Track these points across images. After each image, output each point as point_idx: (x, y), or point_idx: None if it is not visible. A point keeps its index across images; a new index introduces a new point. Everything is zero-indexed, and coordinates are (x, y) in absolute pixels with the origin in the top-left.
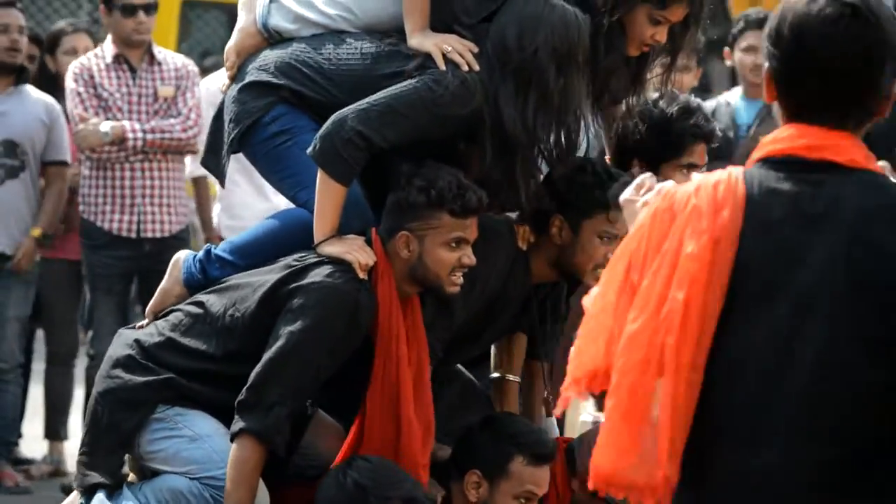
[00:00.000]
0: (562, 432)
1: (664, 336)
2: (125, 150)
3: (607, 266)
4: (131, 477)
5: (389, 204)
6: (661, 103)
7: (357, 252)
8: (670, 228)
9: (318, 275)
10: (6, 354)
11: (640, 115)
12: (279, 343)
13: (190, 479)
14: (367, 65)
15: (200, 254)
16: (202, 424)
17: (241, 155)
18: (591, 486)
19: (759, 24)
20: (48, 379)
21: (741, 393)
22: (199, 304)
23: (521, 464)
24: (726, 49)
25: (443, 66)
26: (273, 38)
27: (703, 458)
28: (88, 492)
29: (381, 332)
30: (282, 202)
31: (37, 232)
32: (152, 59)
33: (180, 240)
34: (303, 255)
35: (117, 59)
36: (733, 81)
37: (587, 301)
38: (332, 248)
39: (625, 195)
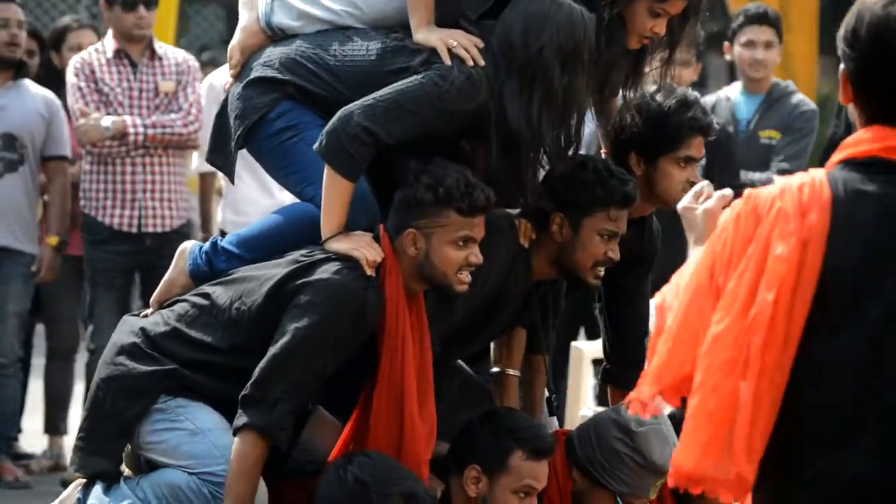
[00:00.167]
0: (562, 425)
1: (751, 337)
2: (126, 144)
3: (691, 269)
4: (127, 472)
5: (397, 201)
6: (659, 96)
7: (365, 249)
8: (755, 232)
9: (325, 271)
10: (6, 349)
11: (638, 108)
12: (285, 339)
13: (189, 473)
14: (372, 61)
15: (207, 245)
16: (204, 418)
17: (244, 151)
18: (671, 483)
19: (758, 18)
20: (48, 374)
21: (828, 396)
22: (206, 295)
23: (521, 458)
24: (726, 44)
25: (448, 61)
26: (277, 35)
27: (786, 459)
28: (92, 477)
29: (388, 330)
30: (286, 198)
31: (53, 241)
32: (153, 54)
33: (181, 234)
34: (311, 250)
35: (118, 53)
36: (730, 76)
37: (657, 301)
38: (340, 245)
39: (683, 203)
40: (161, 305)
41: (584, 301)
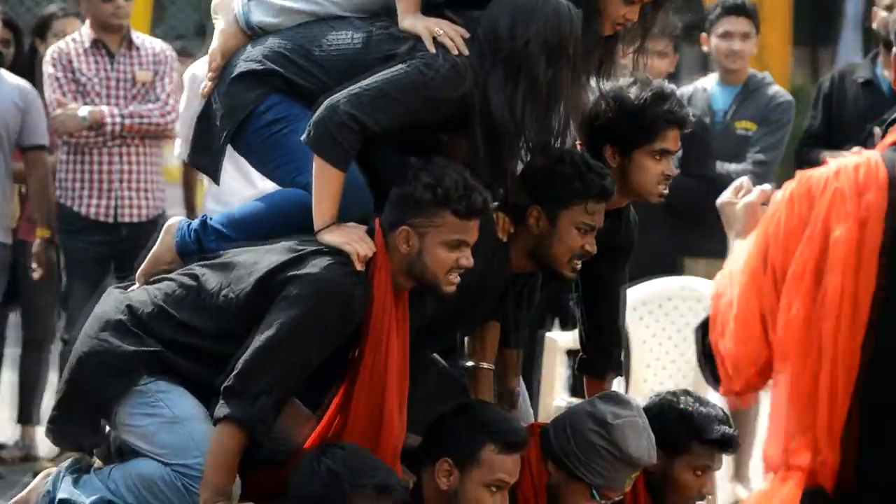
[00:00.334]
0: (536, 417)
1: (822, 322)
2: (103, 135)
3: (742, 256)
4: (98, 463)
5: (394, 196)
6: (635, 88)
7: (357, 243)
8: (810, 214)
9: (315, 265)
10: None
11: (614, 100)
12: (270, 332)
13: (163, 464)
14: (357, 49)
15: (196, 223)
16: (182, 405)
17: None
18: (765, 470)
19: (735, 10)
20: (23, 364)
21: None
22: (195, 276)
23: (493, 452)
24: (703, 35)
25: (432, 49)
26: (257, 34)
27: (867, 442)
28: (70, 449)
29: (374, 325)
30: (269, 187)
31: (45, 233)
32: (130, 44)
33: (157, 225)
34: (303, 240)
35: (95, 43)
36: (704, 67)
37: (712, 291)
38: (333, 237)
39: (723, 198)
40: (146, 280)
41: (555, 292)
